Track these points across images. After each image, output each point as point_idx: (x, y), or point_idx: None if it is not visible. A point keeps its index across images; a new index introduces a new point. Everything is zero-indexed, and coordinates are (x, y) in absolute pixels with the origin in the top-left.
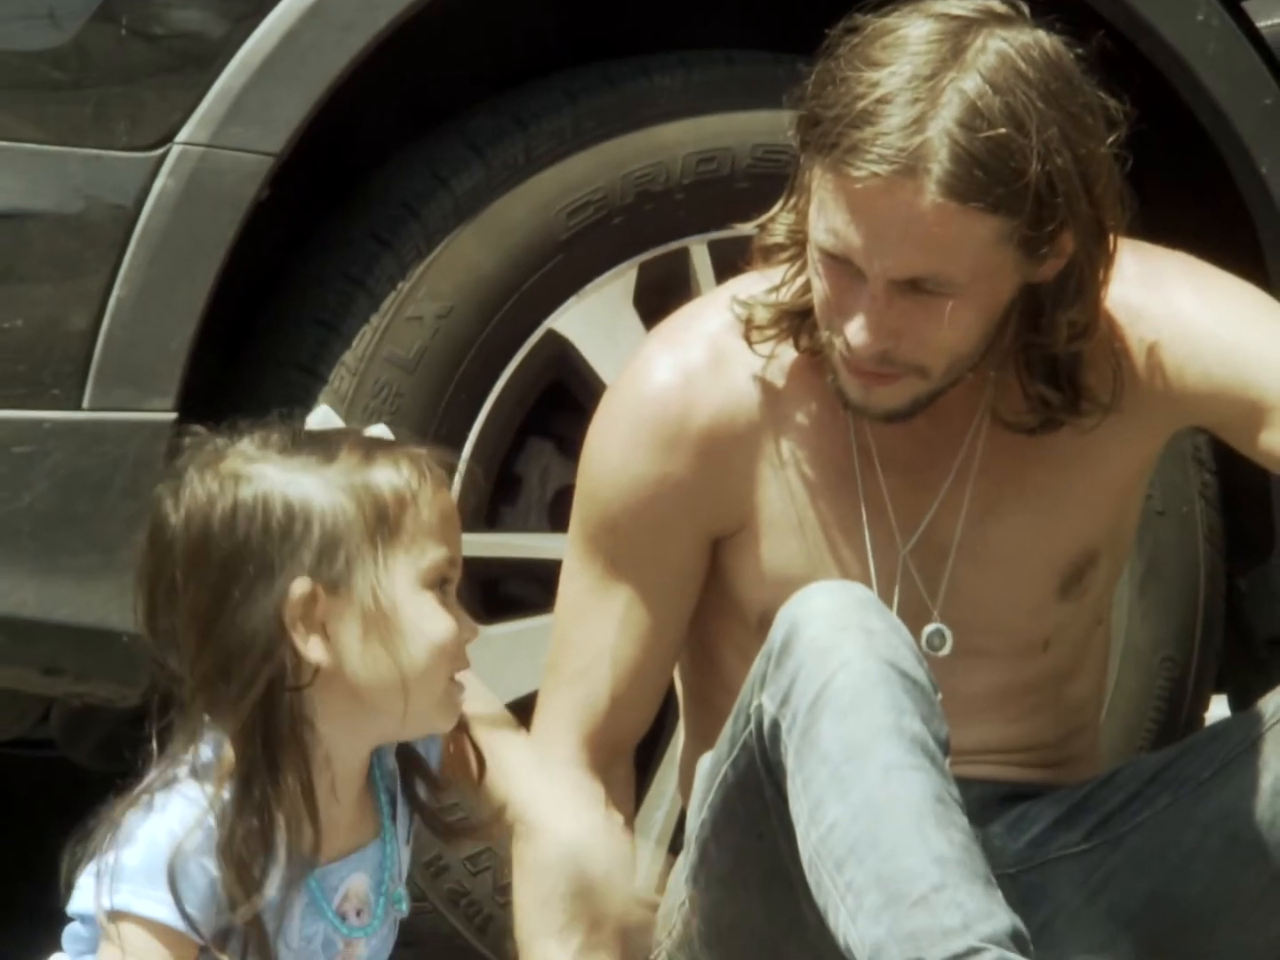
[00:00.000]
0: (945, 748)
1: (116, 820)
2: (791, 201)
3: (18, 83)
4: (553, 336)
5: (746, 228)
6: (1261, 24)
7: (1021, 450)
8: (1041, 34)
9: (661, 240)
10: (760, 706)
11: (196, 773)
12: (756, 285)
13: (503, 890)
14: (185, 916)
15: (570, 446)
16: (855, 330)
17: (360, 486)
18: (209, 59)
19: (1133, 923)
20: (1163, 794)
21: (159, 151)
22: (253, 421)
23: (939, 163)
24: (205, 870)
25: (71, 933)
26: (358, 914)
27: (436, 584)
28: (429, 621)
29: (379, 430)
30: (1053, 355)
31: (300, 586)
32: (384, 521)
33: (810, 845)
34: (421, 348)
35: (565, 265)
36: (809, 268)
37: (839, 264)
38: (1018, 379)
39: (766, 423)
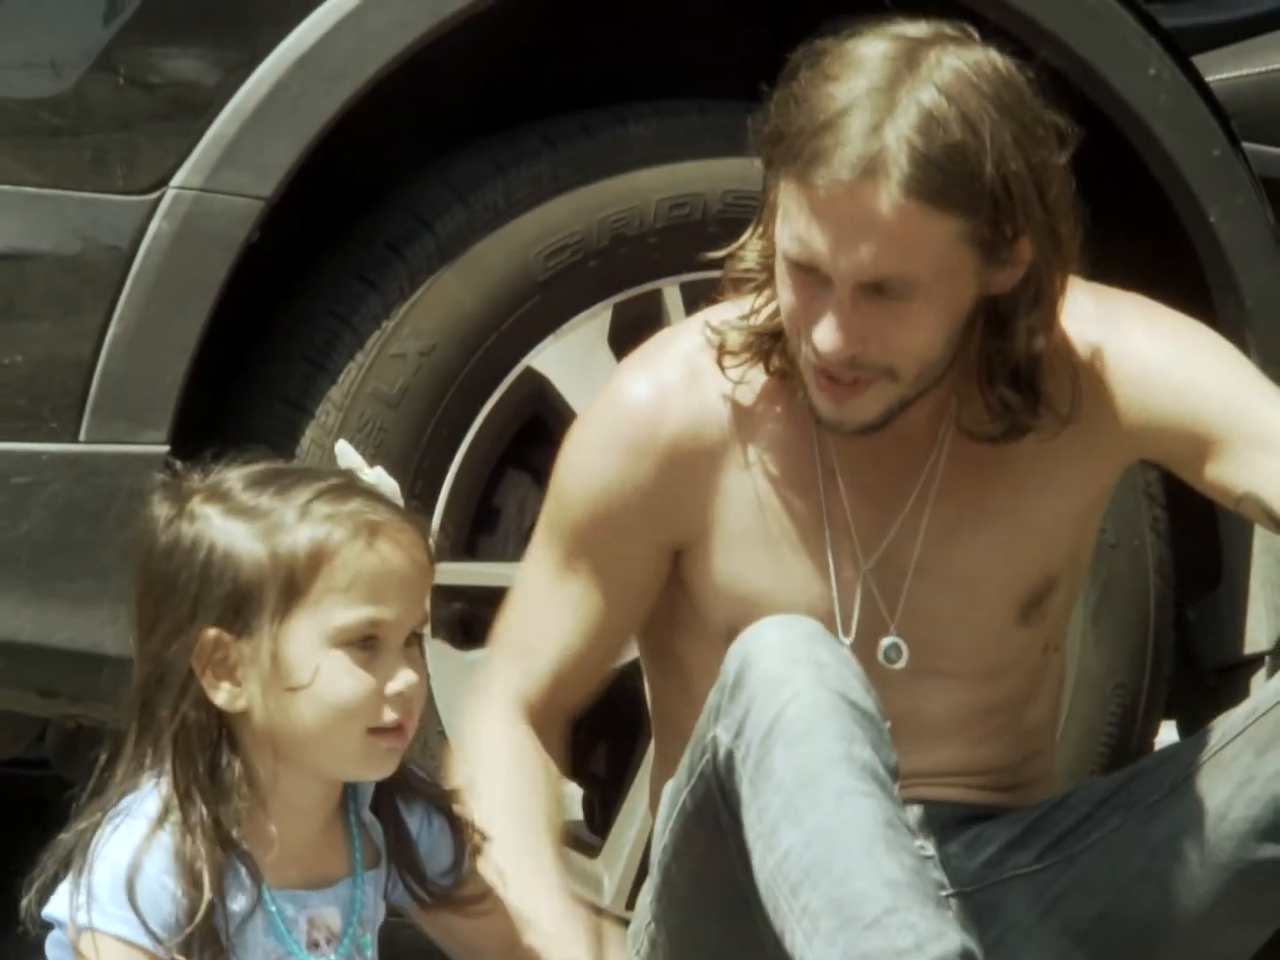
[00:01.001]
0: (894, 774)
1: (83, 838)
2: (760, 229)
3: (19, 128)
4: (530, 374)
5: (716, 272)
6: (1210, 78)
7: (983, 476)
8: (993, 52)
9: (635, 282)
10: (715, 738)
11: (152, 792)
12: (728, 312)
13: None
14: (149, 932)
15: (547, 480)
16: (824, 335)
17: (280, 543)
18: (203, 107)
19: (1083, 940)
20: (1113, 816)
21: (154, 195)
22: (242, 456)
23: (899, 166)
24: (165, 886)
25: (54, 940)
26: (328, 942)
27: (352, 643)
28: (328, 682)
29: (349, 460)
30: (1014, 360)
31: (208, 634)
32: (292, 579)
33: (766, 871)
34: (405, 384)
35: (543, 305)
36: (778, 282)
37: (805, 273)
38: (979, 389)
39: (734, 438)
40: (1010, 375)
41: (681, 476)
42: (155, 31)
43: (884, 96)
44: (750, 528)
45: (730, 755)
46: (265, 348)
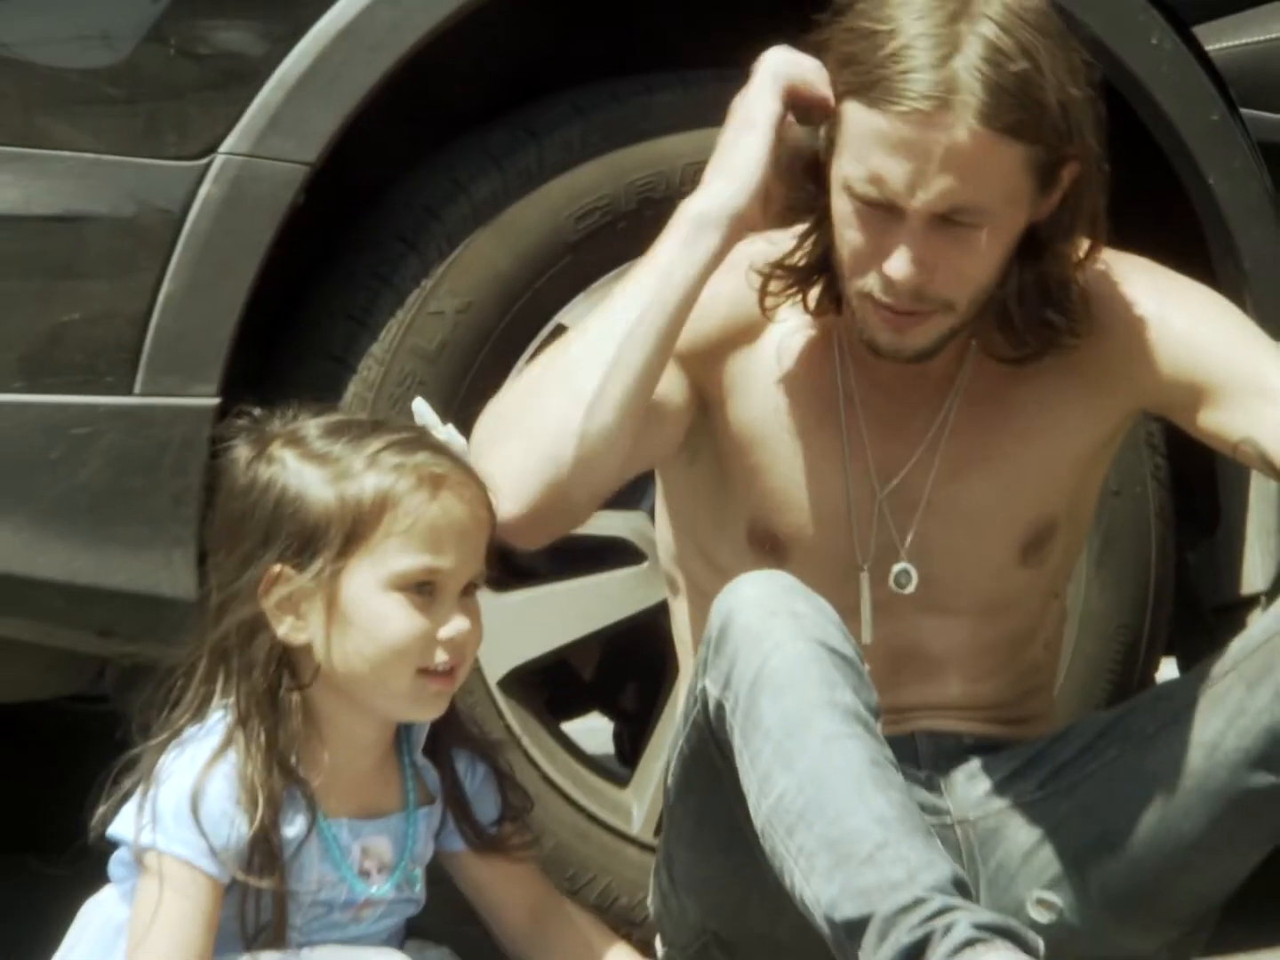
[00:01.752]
0: (876, 714)
1: (148, 764)
2: (809, 171)
3: (77, 98)
4: (562, 330)
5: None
6: (1209, 47)
7: (993, 420)
8: None
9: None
10: (705, 689)
11: (217, 723)
12: (761, 247)
13: None
14: (210, 853)
15: None
16: (898, 265)
17: (348, 489)
18: (250, 76)
19: (1080, 865)
20: (1111, 747)
21: (204, 161)
22: (316, 406)
23: (973, 94)
24: (225, 811)
25: (117, 859)
26: (379, 872)
27: (409, 587)
28: (382, 622)
29: (424, 417)
30: (1049, 285)
31: (274, 569)
32: (357, 524)
33: (762, 814)
34: (443, 340)
35: (573, 265)
36: (836, 221)
37: (875, 210)
38: (1007, 315)
39: (771, 341)
40: (1043, 298)
41: (723, 340)
42: (204, 5)
43: (947, 29)
44: (772, 427)
45: (720, 706)
46: (310, 306)
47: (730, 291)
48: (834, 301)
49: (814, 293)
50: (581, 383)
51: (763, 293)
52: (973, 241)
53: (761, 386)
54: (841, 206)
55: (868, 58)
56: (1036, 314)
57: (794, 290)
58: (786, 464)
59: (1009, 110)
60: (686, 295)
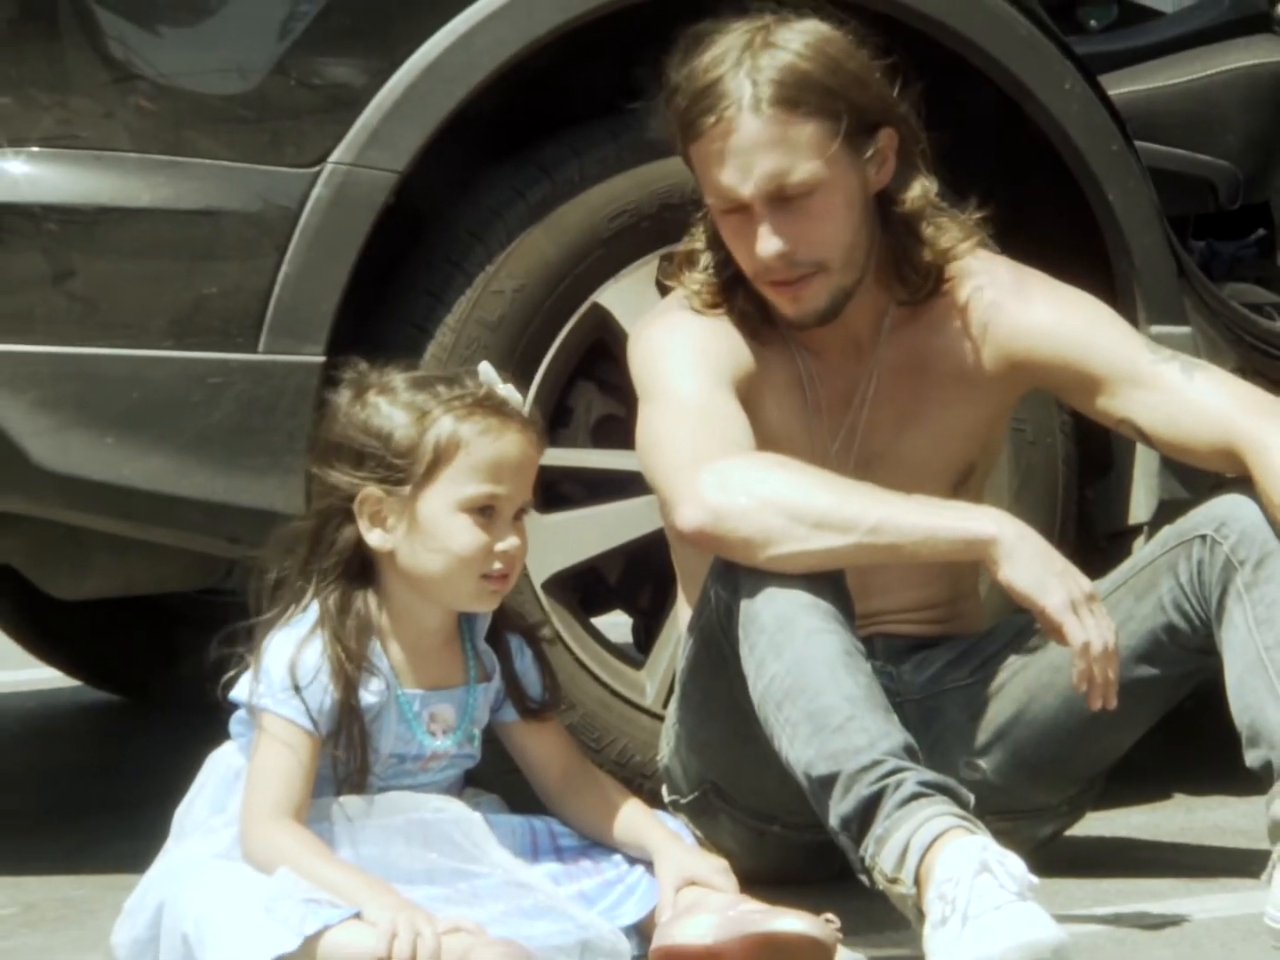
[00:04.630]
0: (851, 616)
1: (260, 642)
2: (699, 215)
3: (217, 117)
4: (596, 307)
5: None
6: (1111, 92)
7: (919, 391)
8: (819, 21)
9: (676, 239)
10: (716, 593)
11: (312, 610)
12: (682, 290)
13: None
14: (307, 714)
15: (607, 387)
16: (763, 246)
17: (429, 429)
18: (353, 102)
19: (1001, 736)
20: (1027, 644)
21: (316, 169)
22: (403, 363)
23: (756, 93)
24: (319, 680)
25: (236, 718)
26: (444, 733)
27: (474, 510)
28: (452, 536)
29: (488, 376)
30: (907, 222)
31: (369, 490)
32: (435, 458)
33: (758, 692)
34: (502, 313)
35: (606, 255)
36: (723, 236)
37: (734, 214)
38: (895, 272)
39: (752, 349)
40: (911, 240)
41: (744, 360)
42: (318, 45)
43: (744, 53)
44: (764, 405)
45: (729, 606)
46: (399, 284)
47: (723, 326)
48: (754, 302)
49: (736, 301)
50: (811, 525)
51: (698, 310)
52: (813, 207)
53: (756, 382)
54: (720, 226)
55: (686, 105)
56: (907, 252)
57: (719, 304)
58: (772, 431)
59: (791, 94)
60: (905, 556)
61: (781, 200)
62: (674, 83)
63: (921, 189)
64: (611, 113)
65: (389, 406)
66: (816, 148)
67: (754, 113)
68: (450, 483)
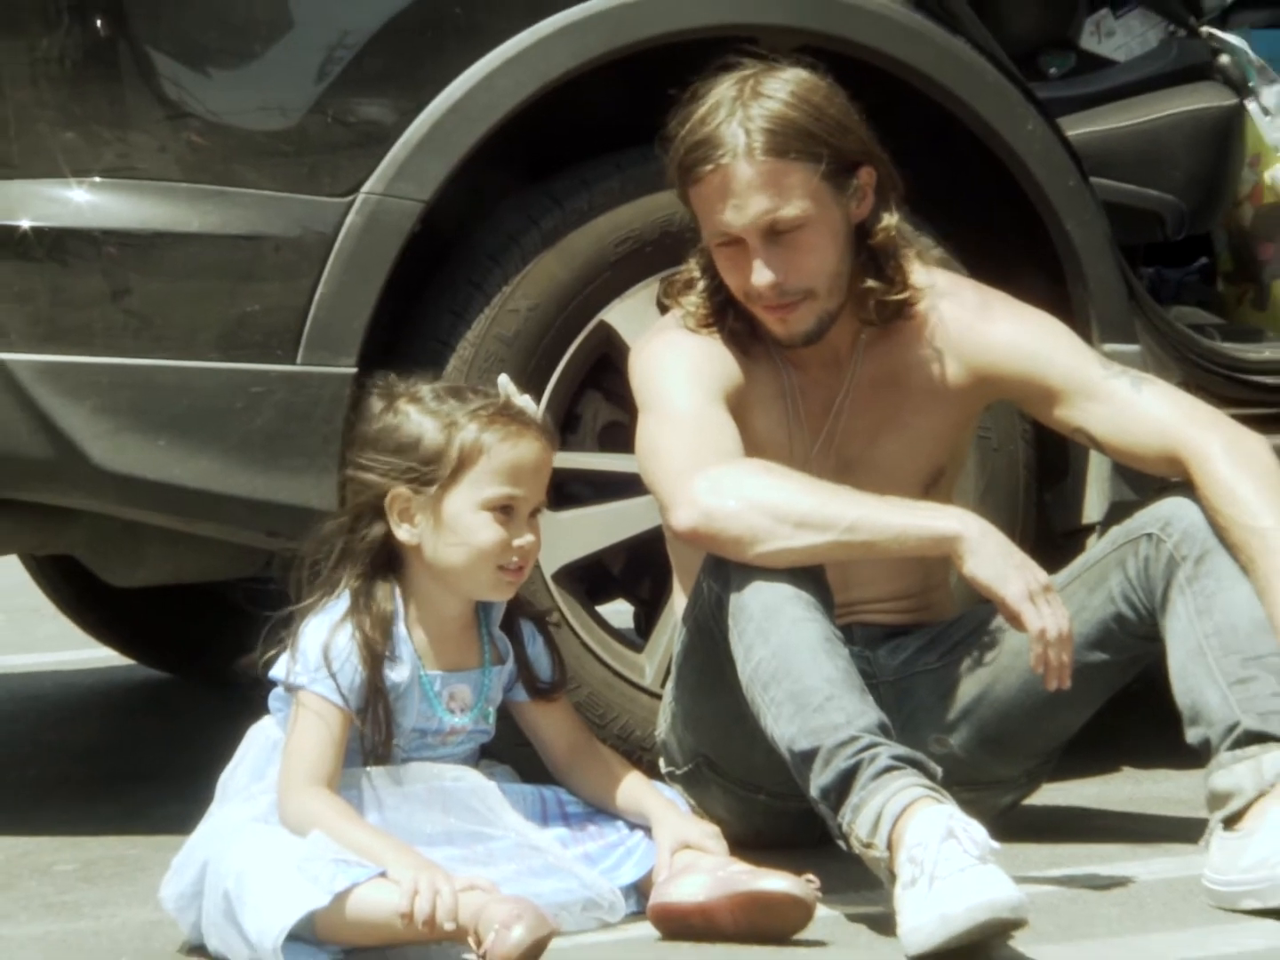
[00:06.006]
0: (831, 606)
1: (297, 626)
2: (697, 246)
3: (261, 152)
4: (602, 324)
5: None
6: (1069, 133)
7: (892, 400)
8: (801, 70)
9: (675, 263)
10: (709, 585)
11: (345, 596)
12: (678, 311)
13: None
14: (339, 692)
15: (612, 396)
16: (757, 277)
17: (455, 436)
18: (384, 138)
19: (966, 714)
20: (991, 631)
21: (350, 198)
22: (428, 374)
23: (750, 139)
24: (350, 660)
25: (274, 694)
26: (462, 710)
27: (494, 509)
28: (474, 532)
29: (507, 388)
30: (877, 253)
31: (398, 489)
32: (460, 461)
33: (746, 674)
34: (517, 330)
35: (612, 278)
36: (719, 268)
37: (731, 249)
38: (867, 288)
39: (742, 365)
40: (880, 267)
41: (734, 373)
42: (352, 87)
43: (735, 103)
44: (753, 415)
45: (720, 597)
46: (424, 303)
47: (715, 343)
48: (744, 321)
49: (727, 321)
50: (794, 525)
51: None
52: (801, 241)
53: (745, 394)
54: (716, 257)
55: (685, 153)
56: (880, 277)
57: (713, 324)
58: (759, 438)
59: (780, 142)
60: (879, 552)
61: (773, 235)
62: (673, 133)
63: (891, 223)
64: (618, 148)
65: (418, 415)
66: (804, 188)
67: (747, 159)
68: (473, 484)
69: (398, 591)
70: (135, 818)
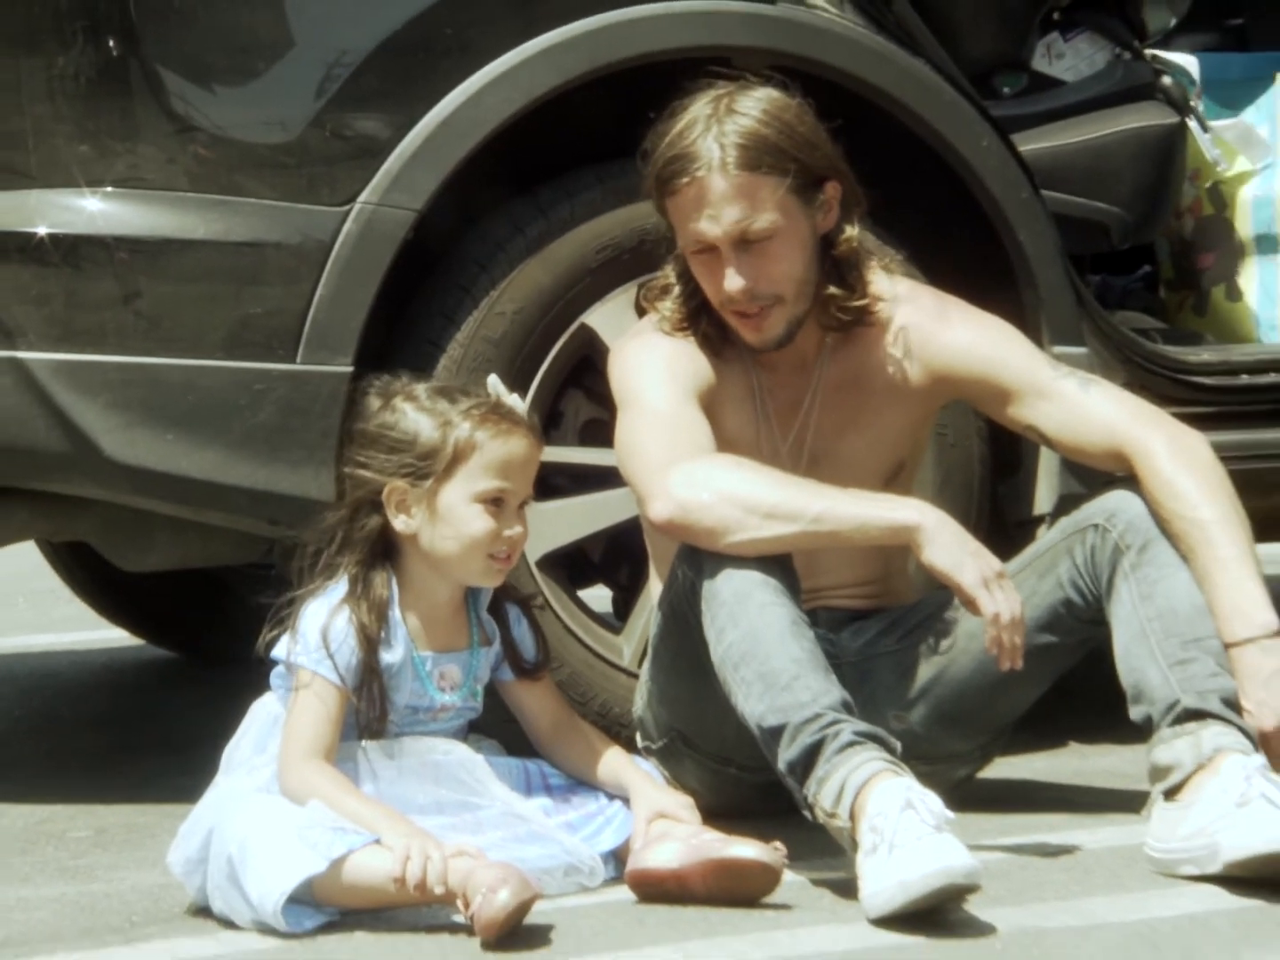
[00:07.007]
0: (798, 592)
1: (297, 608)
2: (672, 254)
3: (263, 164)
4: (584, 327)
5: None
6: (1022, 148)
7: (855, 399)
8: (772, 89)
9: (652, 269)
10: (683, 571)
11: (343, 581)
12: (654, 315)
13: None
14: (336, 671)
15: (593, 394)
16: (729, 283)
17: (449, 432)
18: (378, 151)
19: (924, 693)
20: (947, 615)
21: (346, 207)
22: (421, 375)
23: (723, 153)
24: (347, 641)
25: (276, 672)
26: (452, 689)
27: (487, 501)
28: (467, 523)
29: (497, 388)
30: (839, 263)
31: (396, 483)
32: (454, 457)
33: (718, 655)
34: (504, 332)
35: (593, 283)
36: (695, 274)
37: (705, 256)
38: (830, 294)
39: (713, 366)
40: (843, 275)
41: (706, 374)
42: (349, 103)
43: (710, 119)
44: (723, 413)
45: (693, 584)
46: (415, 307)
47: (689, 346)
48: (716, 325)
49: (700, 325)
50: (763, 516)
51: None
52: (771, 250)
53: (717, 394)
54: (691, 264)
55: (662, 167)
56: (843, 285)
57: (687, 328)
58: (730, 435)
59: (753, 156)
60: (843, 541)
61: (744, 243)
62: (651, 147)
63: (854, 234)
64: (601, 159)
65: (414, 412)
66: (774, 200)
67: (721, 172)
68: (466, 478)
69: (393, 578)
70: (145, 787)
